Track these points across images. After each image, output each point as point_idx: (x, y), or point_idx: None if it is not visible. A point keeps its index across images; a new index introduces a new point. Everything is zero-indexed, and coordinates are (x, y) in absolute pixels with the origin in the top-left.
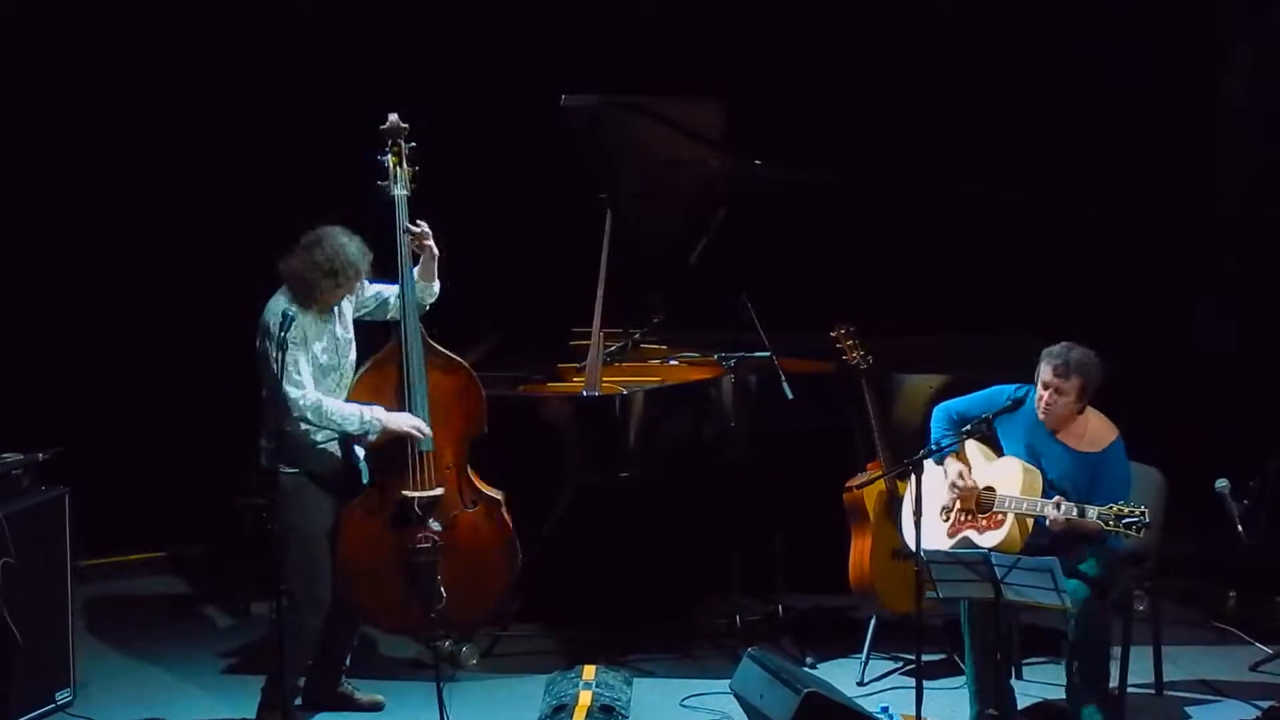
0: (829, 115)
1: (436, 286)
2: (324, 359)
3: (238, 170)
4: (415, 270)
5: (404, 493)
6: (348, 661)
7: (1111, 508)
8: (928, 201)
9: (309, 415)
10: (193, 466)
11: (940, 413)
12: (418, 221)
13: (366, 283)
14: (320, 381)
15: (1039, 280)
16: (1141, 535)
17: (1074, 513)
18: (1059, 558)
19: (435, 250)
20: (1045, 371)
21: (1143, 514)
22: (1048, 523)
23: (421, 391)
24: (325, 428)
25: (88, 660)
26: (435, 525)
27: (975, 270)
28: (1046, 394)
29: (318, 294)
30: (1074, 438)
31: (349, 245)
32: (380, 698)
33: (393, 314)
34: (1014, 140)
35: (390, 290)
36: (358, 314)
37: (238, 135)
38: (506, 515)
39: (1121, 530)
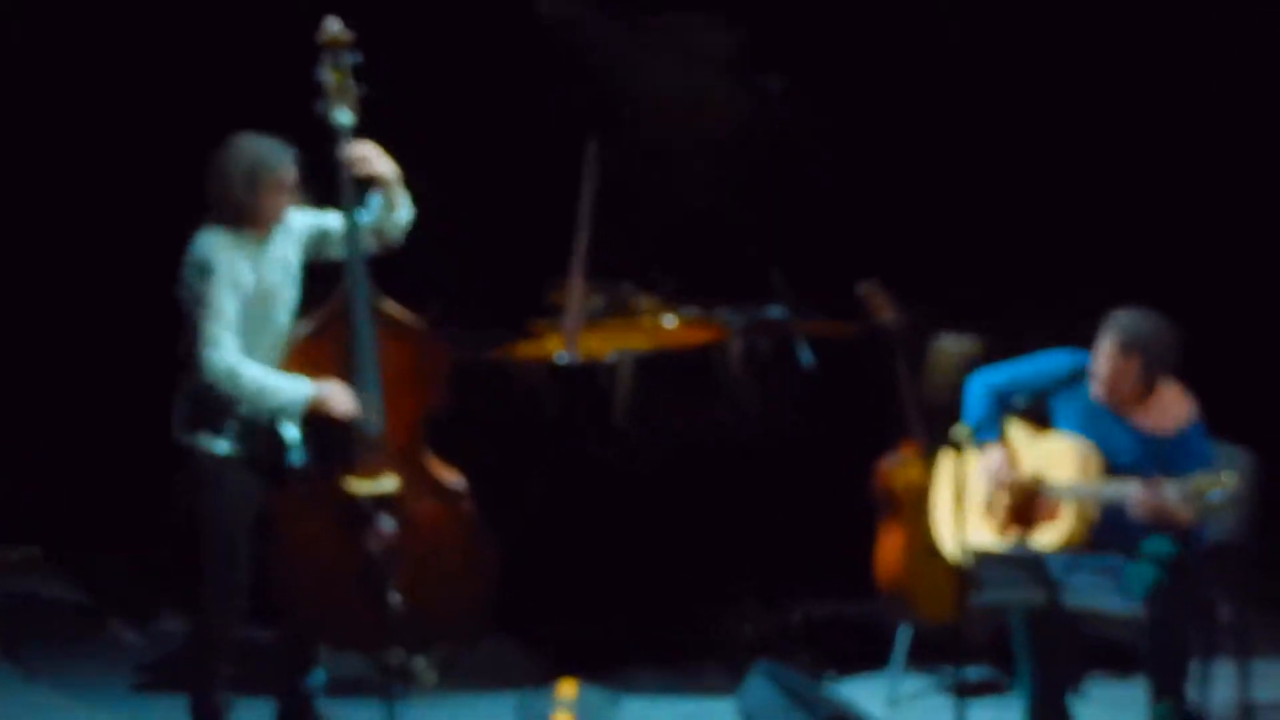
0: (854, 38)
1: (405, 212)
2: (257, 309)
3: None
4: (376, 200)
5: (349, 488)
6: (319, 681)
7: (1189, 481)
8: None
9: (222, 381)
10: (90, 447)
11: (980, 387)
12: (354, 147)
13: (311, 215)
14: (253, 338)
15: (1108, 227)
16: (1227, 508)
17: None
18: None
19: (391, 171)
20: (1106, 344)
21: (1228, 482)
22: (1132, 508)
23: (371, 363)
24: (240, 398)
25: None
26: (387, 524)
27: (1030, 213)
28: (1104, 368)
29: (246, 210)
30: (1143, 415)
31: (260, 143)
32: None
33: (338, 251)
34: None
35: (333, 221)
36: (307, 255)
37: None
38: (470, 506)
39: (1204, 506)
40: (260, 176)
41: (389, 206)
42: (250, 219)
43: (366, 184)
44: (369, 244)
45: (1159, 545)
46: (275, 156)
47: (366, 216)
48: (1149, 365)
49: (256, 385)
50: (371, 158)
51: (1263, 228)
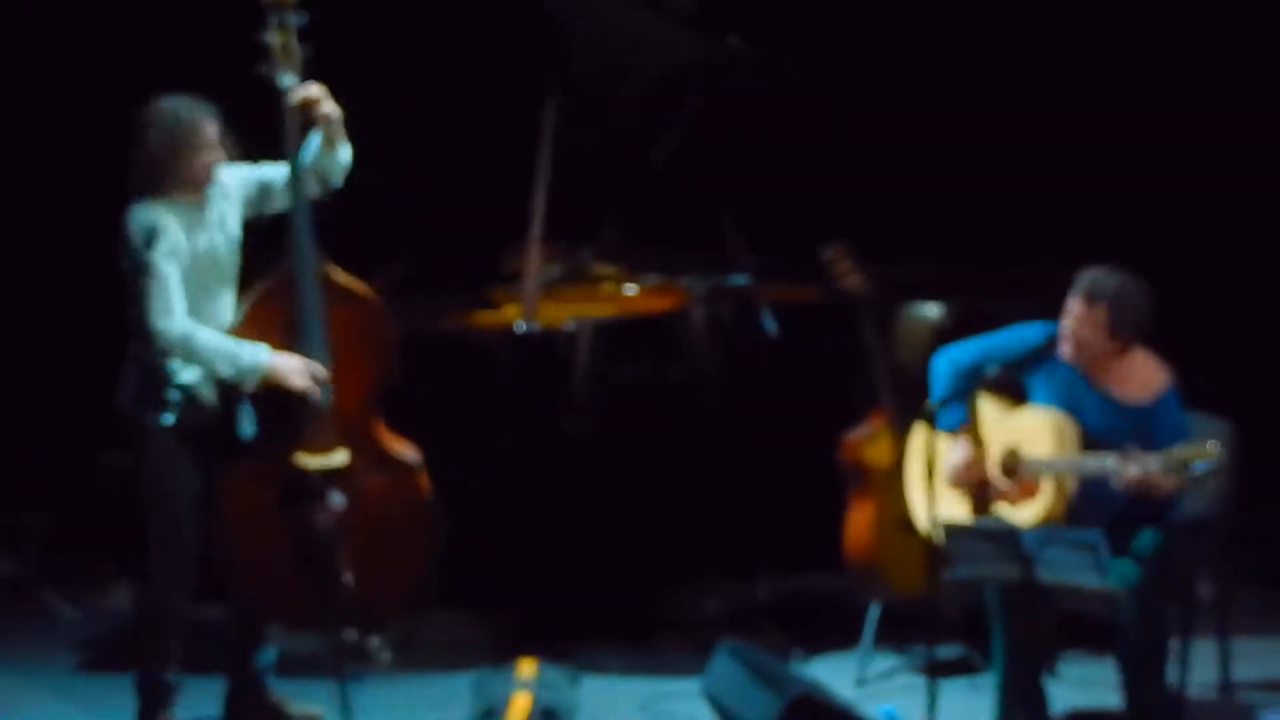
0: None
1: (345, 153)
2: (197, 276)
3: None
4: (315, 140)
5: (297, 461)
6: (269, 659)
7: (1171, 453)
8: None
9: (176, 349)
10: (35, 416)
11: (946, 364)
12: (304, 88)
13: (246, 171)
14: (196, 306)
15: (1084, 197)
16: (1211, 479)
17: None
18: (1104, 533)
19: (334, 113)
20: (1071, 297)
21: (1212, 452)
22: (1115, 482)
23: (318, 331)
24: (194, 365)
25: None
26: (337, 500)
27: (1006, 180)
28: (1069, 322)
29: (170, 173)
30: (1118, 383)
31: (177, 103)
32: (317, 712)
33: (281, 202)
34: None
35: (272, 172)
36: (247, 213)
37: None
38: (424, 479)
39: (1188, 477)
40: (180, 137)
41: (328, 145)
42: (176, 183)
43: (308, 127)
44: (311, 189)
45: (1145, 541)
46: (193, 115)
47: (307, 157)
48: (1116, 318)
49: (212, 350)
50: (321, 99)
51: (1237, 199)
